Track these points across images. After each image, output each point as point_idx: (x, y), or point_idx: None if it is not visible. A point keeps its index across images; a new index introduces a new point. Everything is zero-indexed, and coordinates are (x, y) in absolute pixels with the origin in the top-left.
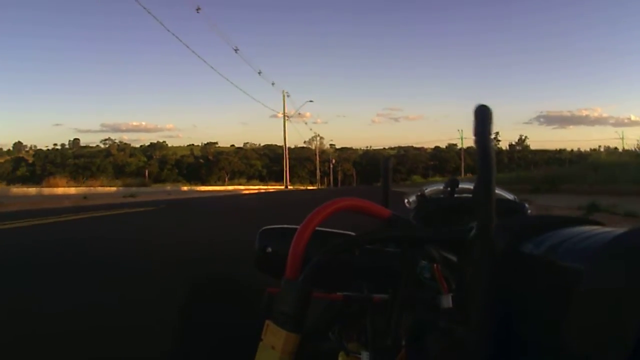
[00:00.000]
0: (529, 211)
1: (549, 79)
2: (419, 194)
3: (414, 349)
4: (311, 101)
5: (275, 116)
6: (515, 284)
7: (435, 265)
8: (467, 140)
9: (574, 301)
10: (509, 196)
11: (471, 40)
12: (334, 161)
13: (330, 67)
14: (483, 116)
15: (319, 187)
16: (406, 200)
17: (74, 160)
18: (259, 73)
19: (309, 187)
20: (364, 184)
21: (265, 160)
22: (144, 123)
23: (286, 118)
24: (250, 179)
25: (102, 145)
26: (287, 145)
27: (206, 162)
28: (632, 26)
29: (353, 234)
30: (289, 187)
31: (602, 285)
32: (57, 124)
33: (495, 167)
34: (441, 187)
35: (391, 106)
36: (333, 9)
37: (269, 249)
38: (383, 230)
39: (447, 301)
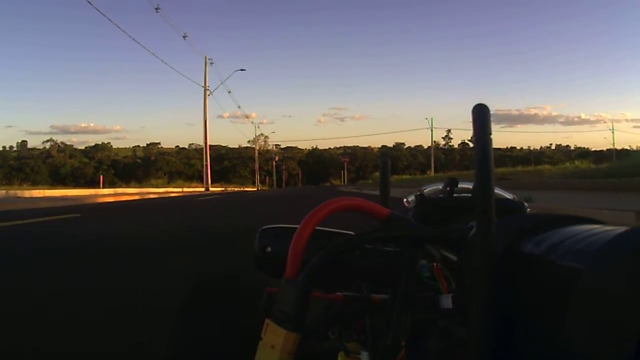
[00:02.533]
0: (528, 210)
1: (497, 77)
2: (418, 193)
3: (413, 349)
4: (243, 69)
5: (221, 117)
6: (515, 283)
7: (435, 264)
8: (406, 135)
9: (574, 301)
10: (508, 195)
11: (415, 39)
12: (277, 158)
13: (276, 67)
14: (481, 115)
15: (259, 188)
16: (405, 200)
17: (10, 162)
18: (182, 35)
19: (246, 189)
20: (310, 184)
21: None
22: (92, 125)
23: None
24: (189, 179)
25: (46, 147)
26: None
27: (144, 162)
28: (581, 24)
29: (352, 233)
30: (211, 189)
31: (602, 285)
32: (9, 126)
33: (493, 166)
34: (440, 187)
35: (337, 106)
36: (279, 9)
37: (269, 249)
38: (383, 230)
39: (447, 301)
